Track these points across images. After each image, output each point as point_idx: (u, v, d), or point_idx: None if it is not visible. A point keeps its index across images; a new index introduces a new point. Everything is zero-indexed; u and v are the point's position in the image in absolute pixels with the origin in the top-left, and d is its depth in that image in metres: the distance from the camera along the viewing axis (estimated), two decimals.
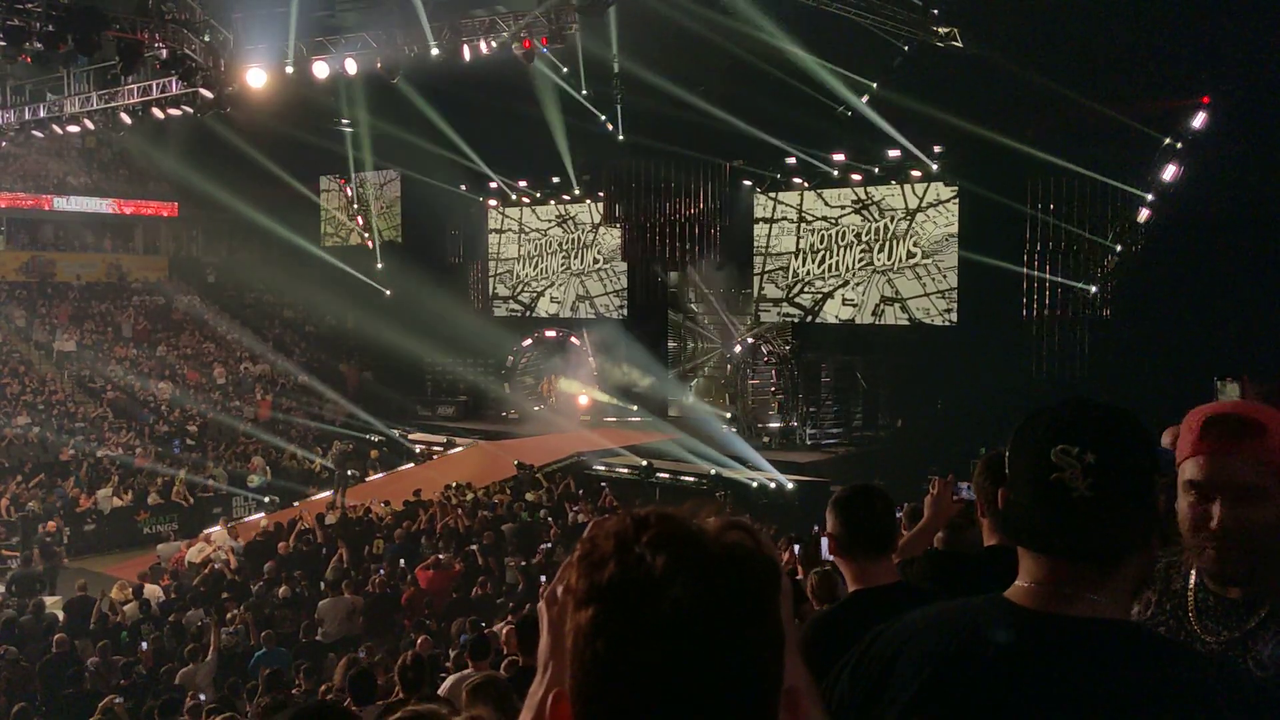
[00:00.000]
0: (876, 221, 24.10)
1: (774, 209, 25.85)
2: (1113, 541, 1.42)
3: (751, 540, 0.98)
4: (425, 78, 20.39)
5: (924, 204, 23.38)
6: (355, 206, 33.85)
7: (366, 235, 33.40)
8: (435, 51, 17.52)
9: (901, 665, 1.49)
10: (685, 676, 0.92)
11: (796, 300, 25.54)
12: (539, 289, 30.80)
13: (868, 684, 1.53)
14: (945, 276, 23.13)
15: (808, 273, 25.26)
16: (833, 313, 24.93)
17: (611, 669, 0.93)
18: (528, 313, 31.07)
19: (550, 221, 30.50)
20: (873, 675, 1.53)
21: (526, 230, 31.00)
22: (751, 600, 0.95)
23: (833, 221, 24.87)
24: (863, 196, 24.40)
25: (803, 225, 25.37)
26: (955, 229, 22.92)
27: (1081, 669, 1.36)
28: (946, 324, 23.10)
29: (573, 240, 30.05)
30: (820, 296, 25.06)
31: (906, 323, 23.67)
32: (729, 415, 25.37)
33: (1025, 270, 21.94)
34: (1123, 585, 1.44)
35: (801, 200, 25.38)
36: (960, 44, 20.06)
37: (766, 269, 25.98)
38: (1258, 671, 1.72)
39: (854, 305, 24.57)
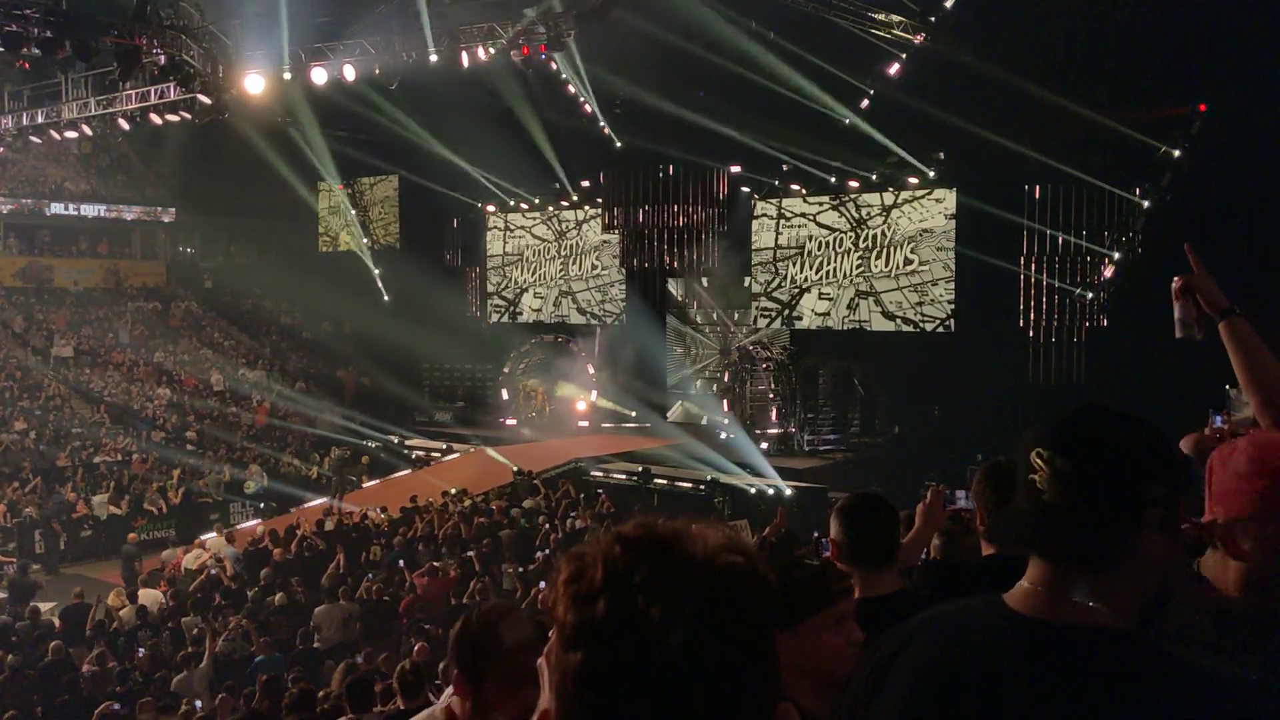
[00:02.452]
0: (871, 229, 24.08)
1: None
2: (1086, 548, 1.43)
3: (747, 562, 0.96)
4: (424, 83, 20.39)
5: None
6: (353, 212, 33.84)
7: (364, 240, 33.40)
8: (434, 58, 17.54)
9: (896, 669, 1.50)
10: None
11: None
12: (524, 286, 30.80)
13: (868, 688, 1.53)
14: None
15: (805, 279, 25.25)
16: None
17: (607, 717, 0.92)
18: (512, 309, 31.00)
19: (548, 226, 30.49)
20: (872, 679, 1.54)
21: (524, 235, 30.99)
22: (750, 636, 0.93)
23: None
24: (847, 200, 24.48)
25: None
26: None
27: (1063, 677, 1.35)
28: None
29: (571, 246, 30.04)
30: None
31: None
32: (726, 421, 25.35)
33: (1023, 275, 21.97)
34: (1122, 592, 1.43)
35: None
36: (951, 50, 20.12)
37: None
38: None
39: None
